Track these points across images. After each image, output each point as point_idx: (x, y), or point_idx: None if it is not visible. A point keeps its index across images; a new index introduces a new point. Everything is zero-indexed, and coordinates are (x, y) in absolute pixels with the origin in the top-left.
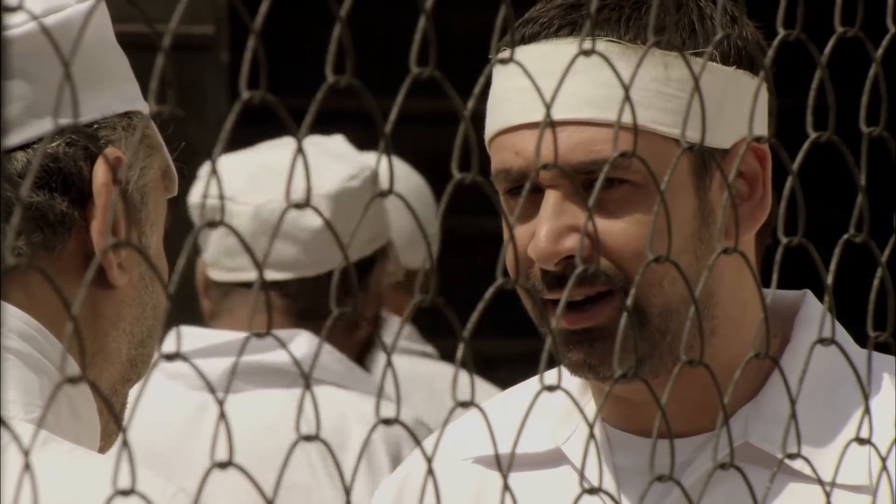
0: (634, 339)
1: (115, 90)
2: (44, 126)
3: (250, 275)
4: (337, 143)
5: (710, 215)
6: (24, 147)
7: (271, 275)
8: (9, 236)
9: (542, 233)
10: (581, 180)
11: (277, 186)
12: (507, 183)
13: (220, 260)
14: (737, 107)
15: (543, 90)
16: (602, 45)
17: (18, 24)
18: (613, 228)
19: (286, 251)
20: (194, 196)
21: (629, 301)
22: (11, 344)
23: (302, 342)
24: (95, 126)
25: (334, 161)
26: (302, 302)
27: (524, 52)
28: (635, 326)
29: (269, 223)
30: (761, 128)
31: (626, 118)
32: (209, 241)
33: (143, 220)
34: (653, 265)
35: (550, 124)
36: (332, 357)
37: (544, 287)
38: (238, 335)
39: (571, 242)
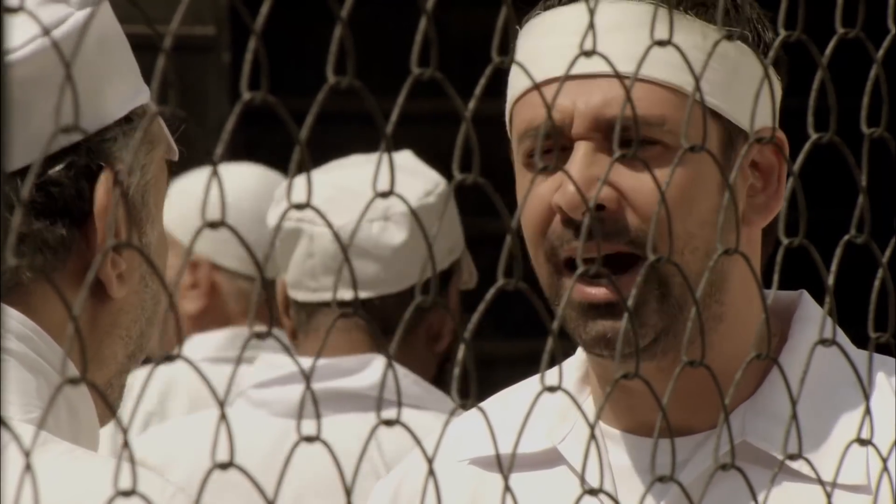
0: (634, 337)
1: (115, 92)
2: (50, 146)
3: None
4: (407, 159)
5: (735, 192)
6: (24, 170)
7: (352, 294)
8: (10, 237)
9: (571, 184)
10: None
11: (356, 206)
12: (534, 141)
13: (302, 281)
14: (764, 96)
15: (583, 46)
16: (644, 7)
17: (20, 47)
18: (643, 186)
19: (368, 269)
20: (271, 218)
21: (640, 280)
22: (9, 345)
23: (377, 366)
24: (97, 139)
25: (409, 177)
26: (384, 320)
27: (561, 13)
28: (648, 298)
29: (353, 244)
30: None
31: (664, 76)
32: (291, 263)
33: (143, 220)
34: (678, 232)
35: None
36: (408, 380)
37: (570, 239)
38: (320, 361)
39: (603, 192)
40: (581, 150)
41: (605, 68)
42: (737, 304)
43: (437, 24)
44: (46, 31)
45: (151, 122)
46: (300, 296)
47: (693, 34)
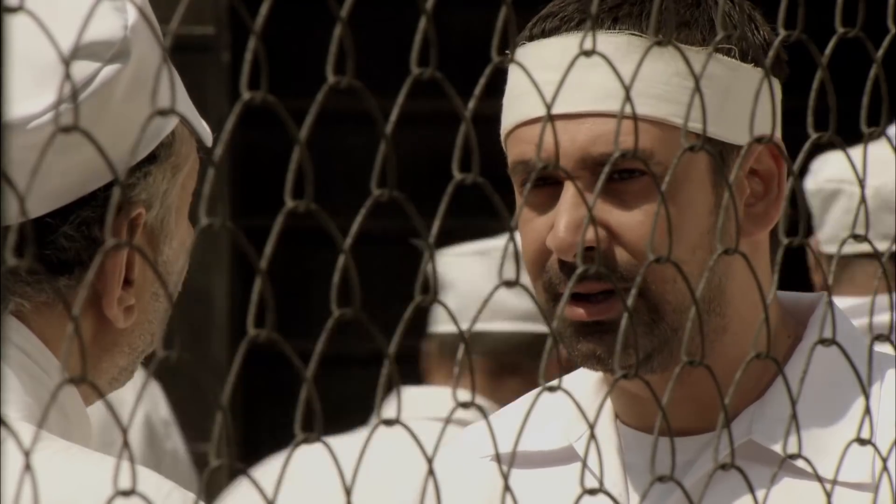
0: (635, 337)
1: (139, 135)
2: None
3: (870, 247)
4: None
5: (728, 212)
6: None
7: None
8: (9, 238)
9: (562, 223)
10: (600, 172)
11: (889, 171)
12: (525, 175)
13: (840, 235)
14: (762, 103)
15: (567, 83)
16: (624, 38)
17: (41, 113)
18: (630, 221)
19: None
20: (809, 184)
21: (630, 301)
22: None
23: None
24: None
25: None
26: None
27: (545, 46)
28: (638, 324)
29: (887, 201)
30: (779, 128)
31: (647, 111)
32: (826, 220)
33: (159, 241)
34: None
35: (550, 119)
36: None
37: (563, 279)
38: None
39: (590, 234)
40: (570, 190)
41: (592, 107)
42: (741, 313)
43: (436, 23)
44: (74, 92)
45: (174, 143)
46: (836, 249)
47: (676, 60)
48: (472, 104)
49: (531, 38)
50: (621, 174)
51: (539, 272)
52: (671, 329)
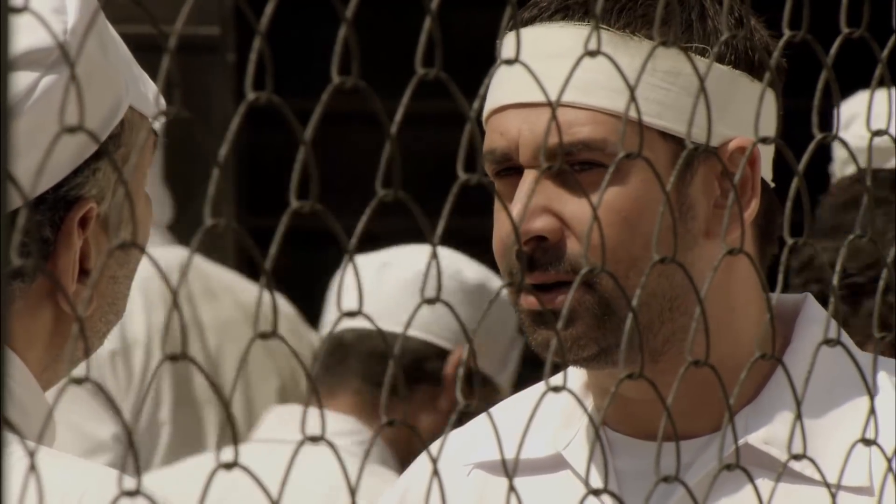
0: (639, 335)
1: (92, 128)
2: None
3: None
4: None
5: (690, 211)
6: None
7: None
8: (13, 238)
9: (514, 212)
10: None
11: None
12: (494, 164)
13: None
14: (729, 107)
15: (535, 72)
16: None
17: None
18: (584, 213)
19: None
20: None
21: (570, 295)
22: None
23: None
24: (63, 189)
25: None
26: None
27: (522, 36)
28: (589, 317)
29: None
30: (764, 130)
31: (604, 103)
32: None
33: (113, 228)
34: (620, 255)
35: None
36: None
37: (518, 268)
38: None
39: (542, 223)
40: (527, 179)
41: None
42: (713, 314)
43: (441, 24)
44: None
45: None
46: None
47: (642, 56)
48: (476, 104)
49: (511, 28)
50: (582, 165)
51: (502, 262)
52: (623, 324)
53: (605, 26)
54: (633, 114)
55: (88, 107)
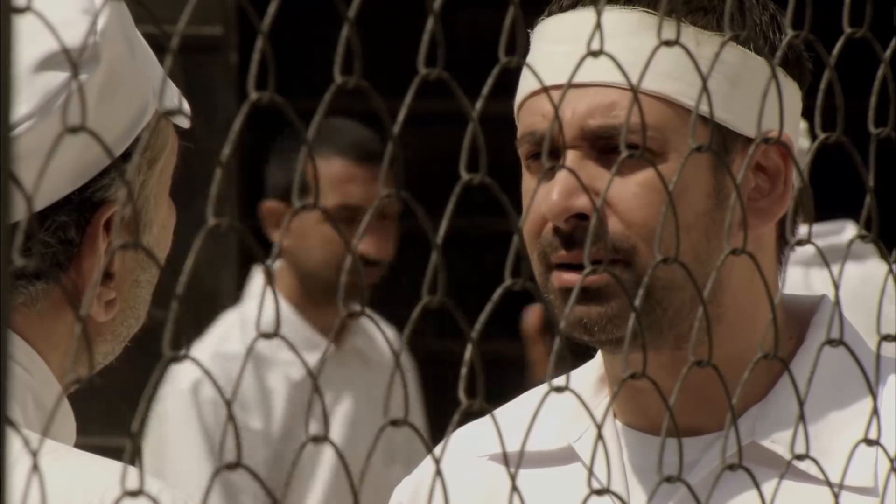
0: (642, 333)
1: (112, 135)
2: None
3: None
4: None
5: (727, 199)
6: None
7: None
8: (16, 239)
9: (556, 189)
10: (600, 144)
11: None
12: (532, 146)
13: None
14: (771, 99)
15: (576, 54)
16: (636, 14)
17: (14, 125)
18: (625, 192)
19: None
20: None
21: (602, 267)
22: None
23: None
24: (89, 190)
25: None
26: None
27: (561, 20)
28: (624, 297)
29: None
30: (788, 127)
31: (652, 86)
32: None
33: (138, 231)
34: (660, 235)
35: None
36: None
37: (557, 247)
38: None
39: (583, 201)
40: (568, 158)
41: (597, 77)
42: (739, 304)
43: (444, 24)
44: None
45: (149, 135)
46: None
47: (686, 40)
48: (479, 104)
49: (550, 14)
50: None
51: (535, 243)
52: (660, 307)
53: (649, 10)
54: (678, 97)
55: (116, 109)
